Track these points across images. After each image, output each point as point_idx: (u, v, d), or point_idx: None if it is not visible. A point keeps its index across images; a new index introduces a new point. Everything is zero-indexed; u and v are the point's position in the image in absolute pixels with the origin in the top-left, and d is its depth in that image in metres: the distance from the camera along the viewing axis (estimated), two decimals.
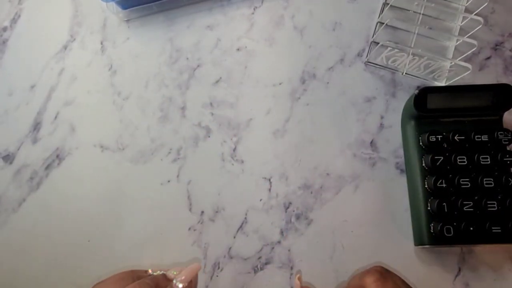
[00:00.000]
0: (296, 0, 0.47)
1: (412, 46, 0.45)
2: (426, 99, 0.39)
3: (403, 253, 0.40)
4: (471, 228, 0.37)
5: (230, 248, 0.41)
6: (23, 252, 0.43)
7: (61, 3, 0.49)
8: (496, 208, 0.37)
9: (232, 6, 0.48)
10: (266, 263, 0.41)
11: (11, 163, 0.45)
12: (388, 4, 0.45)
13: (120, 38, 0.48)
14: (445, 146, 0.39)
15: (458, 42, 0.45)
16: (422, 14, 0.46)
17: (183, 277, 0.34)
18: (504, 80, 0.44)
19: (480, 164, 0.38)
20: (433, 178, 0.38)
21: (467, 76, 0.41)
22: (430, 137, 0.39)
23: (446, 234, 0.37)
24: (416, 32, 0.45)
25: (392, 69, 0.45)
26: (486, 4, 0.43)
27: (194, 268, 0.35)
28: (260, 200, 0.42)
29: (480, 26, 0.42)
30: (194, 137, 0.45)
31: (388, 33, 0.46)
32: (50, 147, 0.45)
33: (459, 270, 0.40)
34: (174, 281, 0.33)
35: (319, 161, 0.43)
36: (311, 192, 0.42)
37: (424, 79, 0.44)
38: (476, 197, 0.38)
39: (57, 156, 0.45)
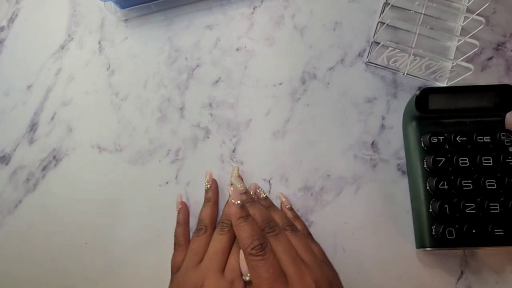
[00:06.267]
0: None
1: (413, 46, 0.45)
2: (427, 100, 0.39)
3: (404, 256, 0.40)
4: (474, 231, 0.37)
5: None
6: (19, 255, 0.42)
7: (58, 2, 0.49)
8: (498, 210, 0.37)
9: (232, 6, 0.47)
10: None
11: (7, 164, 0.45)
12: (389, 4, 0.45)
13: (118, 37, 0.47)
14: (447, 147, 0.39)
15: (459, 43, 0.44)
16: (423, 14, 0.46)
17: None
18: (506, 80, 0.44)
19: (482, 166, 0.38)
20: (435, 180, 0.38)
21: (469, 76, 0.40)
22: (432, 138, 0.39)
23: (448, 237, 0.37)
24: (417, 32, 0.45)
25: (393, 70, 0.44)
26: (487, 4, 0.43)
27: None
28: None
29: (482, 26, 0.41)
30: (193, 138, 0.44)
31: (389, 33, 0.45)
32: (46, 148, 0.45)
33: (462, 273, 0.39)
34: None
35: (319, 162, 0.42)
36: (312, 194, 0.42)
37: (426, 80, 0.44)
38: (478, 199, 0.37)
39: (54, 157, 0.44)
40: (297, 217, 0.39)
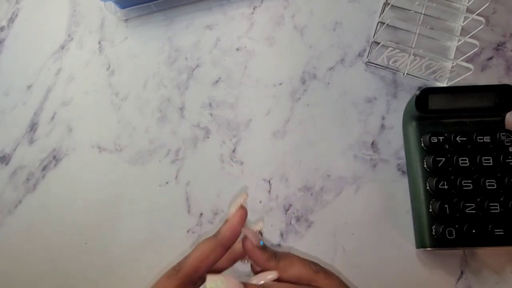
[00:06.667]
0: None
1: (413, 46, 0.45)
2: (427, 100, 0.39)
3: (404, 256, 0.40)
4: (474, 231, 0.37)
5: None
6: (18, 255, 0.42)
7: (58, 2, 0.49)
8: (498, 210, 0.37)
9: (232, 6, 0.47)
10: None
11: (7, 164, 0.45)
12: (389, 3, 0.45)
13: (118, 37, 0.47)
14: (447, 147, 0.39)
15: (459, 43, 0.44)
16: (423, 14, 0.46)
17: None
18: (506, 80, 0.44)
19: (482, 166, 0.38)
20: (435, 180, 0.38)
21: (469, 76, 0.40)
22: (432, 138, 0.39)
23: (448, 237, 0.36)
24: (417, 32, 0.45)
25: (393, 70, 0.44)
26: (487, 4, 0.43)
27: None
28: (260, 202, 0.42)
29: (482, 26, 0.41)
30: (193, 138, 0.44)
31: (389, 33, 0.45)
32: (46, 148, 0.45)
33: (462, 273, 0.39)
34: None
35: (319, 162, 0.42)
36: (312, 194, 0.42)
37: (426, 80, 0.44)
38: (478, 199, 0.37)
39: (54, 157, 0.44)
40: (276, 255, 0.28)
